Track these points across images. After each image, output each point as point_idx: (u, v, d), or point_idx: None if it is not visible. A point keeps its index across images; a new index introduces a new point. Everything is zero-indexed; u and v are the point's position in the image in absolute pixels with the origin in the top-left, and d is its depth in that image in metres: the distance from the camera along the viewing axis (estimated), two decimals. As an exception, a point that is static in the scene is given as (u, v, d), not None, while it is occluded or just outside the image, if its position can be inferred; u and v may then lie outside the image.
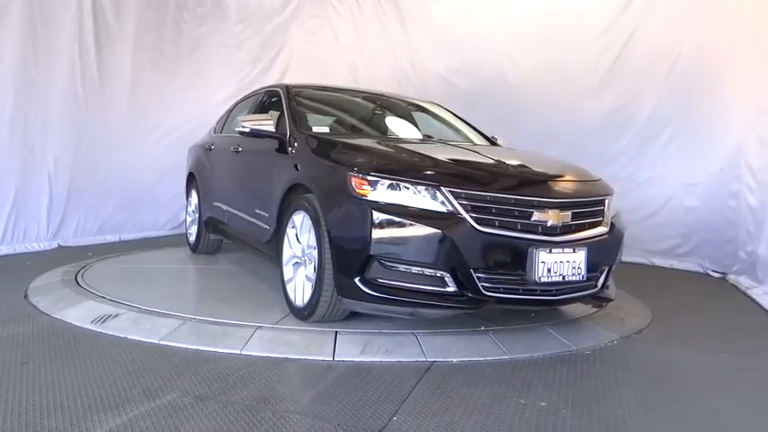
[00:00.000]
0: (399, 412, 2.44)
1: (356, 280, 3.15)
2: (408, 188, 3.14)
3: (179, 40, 7.40)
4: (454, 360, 3.10)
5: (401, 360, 3.06)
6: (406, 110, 5.19)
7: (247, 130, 4.13)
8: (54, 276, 4.43)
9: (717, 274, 6.05)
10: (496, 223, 3.13)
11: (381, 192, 3.14)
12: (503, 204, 3.17)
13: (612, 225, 3.56)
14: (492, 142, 4.79)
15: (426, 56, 7.81)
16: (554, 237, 3.21)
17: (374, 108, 5.16)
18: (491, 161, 3.64)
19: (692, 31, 6.36)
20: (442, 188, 3.12)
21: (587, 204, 3.47)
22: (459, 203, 3.10)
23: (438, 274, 3.10)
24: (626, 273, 6.18)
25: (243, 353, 3.04)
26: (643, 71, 6.70)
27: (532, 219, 3.19)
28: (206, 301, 3.82)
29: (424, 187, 3.14)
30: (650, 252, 6.73)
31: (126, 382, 2.59)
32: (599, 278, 3.50)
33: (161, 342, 3.14)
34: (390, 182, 3.15)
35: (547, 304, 3.38)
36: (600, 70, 6.94)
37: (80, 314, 3.53)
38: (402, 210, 3.10)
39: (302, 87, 4.95)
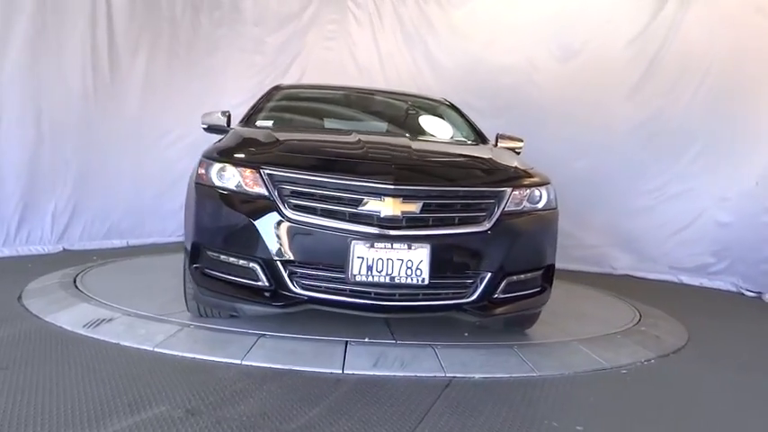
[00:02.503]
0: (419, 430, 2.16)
1: (193, 269, 3.04)
2: (236, 172, 2.96)
3: (194, 42, 7.22)
4: (476, 376, 2.80)
5: (417, 375, 2.77)
6: (392, 105, 4.94)
7: (205, 126, 4.11)
8: (52, 279, 4.20)
9: (751, 294, 5.71)
10: (318, 211, 2.82)
11: (214, 176, 3.01)
12: (327, 189, 2.85)
13: (498, 222, 2.92)
14: (483, 141, 4.27)
15: (446, 62, 7.58)
16: (388, 230, 2.76)
17: (354, 104, 4.91)
18: (362, 147, 3.21)
19: (726, 40, 6.07)
20: (261, 171, 2.89)
21: (455, 196, 2.96)
22: (276, 187, 2.86)
23: (250, 266, 2.85)
24: (654, 290, 5.91)
25: (243, 363, 2.77)
26: (674, 81, 6.41)
27: (360, 208, 2.79)
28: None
29: (247, 170, 2.93)
30: (678, 269, 6.42)
31: (111, 392, 2.32)
32: (474, 287, 2.90)
33: (155, 349, 2.88)
34: (221, 165, 3.01)
35: (380, 311, 2.85)
36: (628, 80, 6.65)
37: (72, 317, 3.29)
38: (226, 195, 2.95)
39: (291, 87, 4.94)
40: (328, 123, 4.65)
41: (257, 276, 2.85)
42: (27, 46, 5.44)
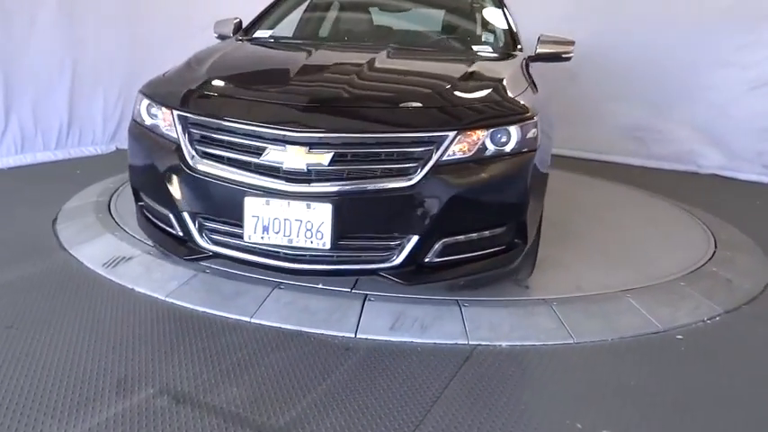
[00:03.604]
0: (423, 424, 1.94)
1: (138, 207, 2.97)
2: (158, 111, 2.73)
3: None
4: (503, 344, 2.52)
5: (437, 342, 2.51)
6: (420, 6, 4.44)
7: (216, 35, 3.81)
8: (90, 197, 4.12)
9: None
10: (225, 160, 2.52)
11: (143, 113, 2.81)
12: (232, 136, 2.51)
13: (430, 174, 2.40)
14: (514, 48, 3.66)
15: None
16: (289, 185, 2.40)
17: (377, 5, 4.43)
18: (290, 78, 2.84)
19: None
20: (174, 112, 2.64)
21: (376, 143, 2.45)
22: (187, 131, 2.60)
23: (165, 213, 2.72)
24: (744, 194, 5.27)
25: (252, 320, 2.60)
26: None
27: (263, 158, 2.43)
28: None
29: (166, 110, 2.69)
30: (770, 168, 5.73)
31: (103, 367, 2.21)
32: (399, 250, 2.48)
33: (166, 299, 2.75)
34: (147, 102, 2.80)
35: (289, 273, 2.57)
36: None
37: (95, 252, 3.20)
38: (149, 135, 2.76)
39: None
40: (331, 32, 4.27)
41: (173, 225, 2.72)
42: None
